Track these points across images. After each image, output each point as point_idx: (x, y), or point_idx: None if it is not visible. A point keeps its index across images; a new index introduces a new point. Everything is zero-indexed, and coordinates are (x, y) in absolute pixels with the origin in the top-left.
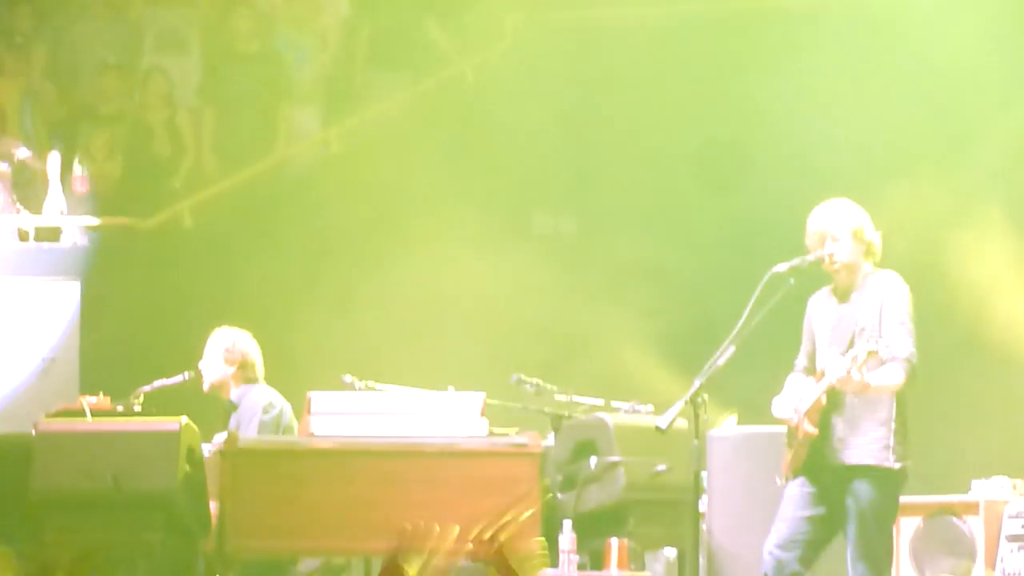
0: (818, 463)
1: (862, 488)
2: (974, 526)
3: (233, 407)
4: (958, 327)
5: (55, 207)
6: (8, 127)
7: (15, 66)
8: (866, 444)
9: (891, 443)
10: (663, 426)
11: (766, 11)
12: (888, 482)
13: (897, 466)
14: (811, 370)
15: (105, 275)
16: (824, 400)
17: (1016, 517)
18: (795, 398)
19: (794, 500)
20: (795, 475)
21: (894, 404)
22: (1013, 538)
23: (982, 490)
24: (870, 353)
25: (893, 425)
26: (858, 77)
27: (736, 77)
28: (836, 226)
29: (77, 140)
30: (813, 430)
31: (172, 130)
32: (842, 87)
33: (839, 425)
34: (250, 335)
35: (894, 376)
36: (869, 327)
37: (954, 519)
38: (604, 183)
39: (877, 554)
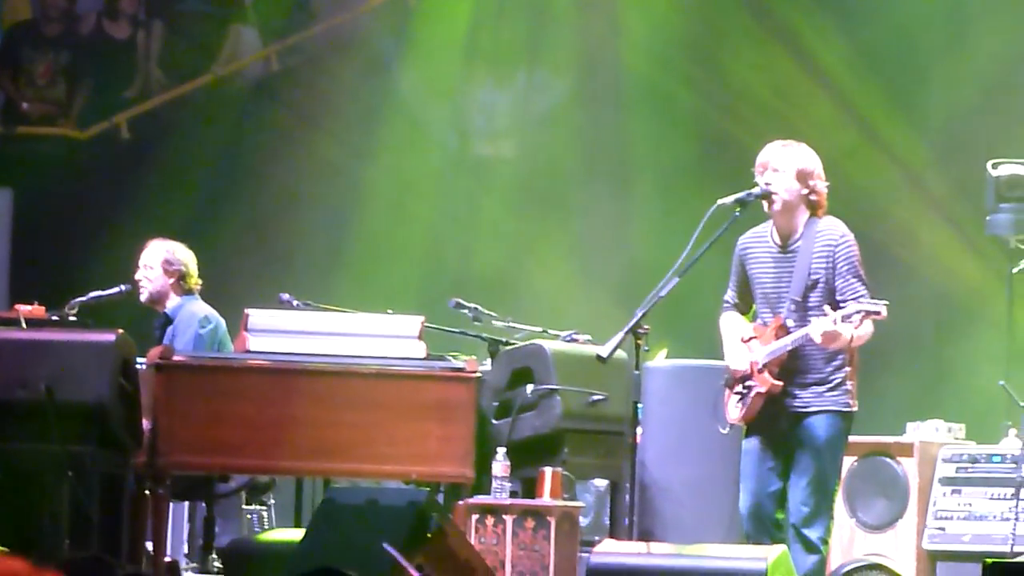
0: (774, 412)
1: (820, 427)
2: (908, 468)
3: (168, 320)
4: (892, 268)
5: None
6: None
7: None
8: (825, 390)
9: (848, 387)
10: (605, 356)
11: None
12: (845, 422)
13: (855, 408)
14: (742, 308)
15: (39, 184)
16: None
17: (950, 461)
18: (749, 348)
19: (755, 453)
20: (750, 426)
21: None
22: (947, 481)
23: (917, 432)
24: (868, 314)
25: (848, 369)
26: None
27: None
28: (781, 160)
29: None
30: (779, 383)
31: (128, 46)
32: None
33: (796, 373)
34: (185, 247)
35: (868, 329)
36: (823, 278)
37: (888, 460)
38: (548, 108)
39: (828, 488)
